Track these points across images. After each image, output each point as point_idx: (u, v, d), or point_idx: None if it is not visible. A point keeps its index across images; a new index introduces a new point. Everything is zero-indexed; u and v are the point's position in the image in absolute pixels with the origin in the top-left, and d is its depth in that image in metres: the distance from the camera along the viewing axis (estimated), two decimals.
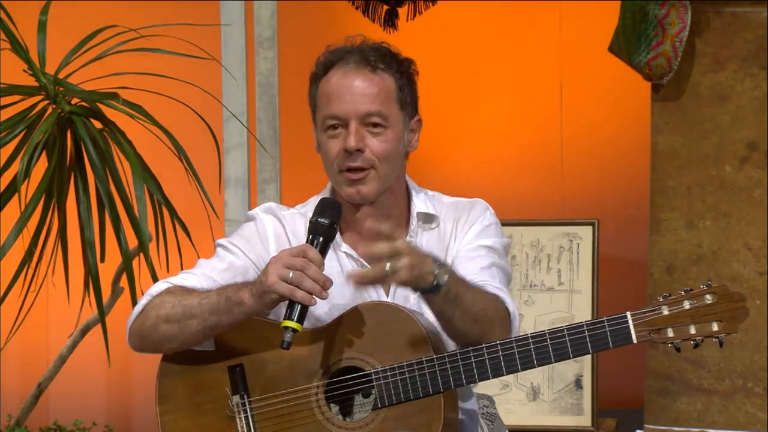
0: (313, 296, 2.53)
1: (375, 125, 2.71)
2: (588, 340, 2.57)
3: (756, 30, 4.16)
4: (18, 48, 3.90)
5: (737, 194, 4.19)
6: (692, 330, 2.57)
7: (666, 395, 4.23)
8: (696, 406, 4.21)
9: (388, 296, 2.76)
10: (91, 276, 3.86)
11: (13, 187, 3.74)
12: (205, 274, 2.74)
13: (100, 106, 3.90)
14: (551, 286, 4.61)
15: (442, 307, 2.56)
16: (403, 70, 2.76)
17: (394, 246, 2.49)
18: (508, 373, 2.60)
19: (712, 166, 4.21)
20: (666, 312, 2.57)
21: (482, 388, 2.87)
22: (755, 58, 4.16)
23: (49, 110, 3.87)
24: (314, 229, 2.62)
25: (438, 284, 2.51)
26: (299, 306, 2.53)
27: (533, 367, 2.59)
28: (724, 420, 4.18)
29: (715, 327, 2.57)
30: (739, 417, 4.17)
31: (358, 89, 2.70)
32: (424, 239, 2.80)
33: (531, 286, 4.62)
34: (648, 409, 4.27)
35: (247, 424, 2.64)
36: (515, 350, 2.58)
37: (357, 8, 4.49)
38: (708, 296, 2.57)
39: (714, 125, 4.21)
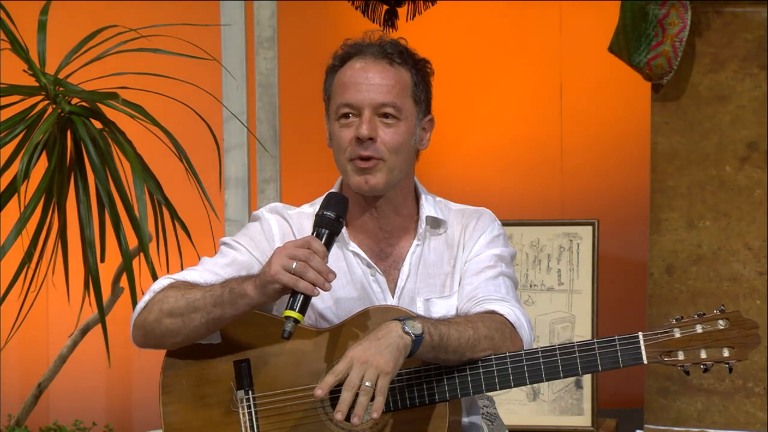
0: (316, 287, 2.52)
1: (388, 116, 2.72)
2: (598, 358, 2.57)
3: (756, 30, 4.16)
4: (18, 48, 3.90)
5: (737, 194, 4.19)
6: (703, 354, 2.58)
7: (666, 395, 4.23)
8: (696, 406, 4.21)
9: (393, 297, 2.76)
10: (91, 276, 3.85)
11: (13, 187, 3.73)
12: (208, 269, 2.74)
13: (100, 106, 3.89)
14: (551, 286, 4.61)
15: (433, 353, 2.55)
16: (419, 68, 2.78)
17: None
18: (515, 386, 2.60)
19: (712, 166, 4.21)
20: (678, 335, 2.58)
21: None
22: (755, 58, 4.16)
23: (49, 110, 3.87)
24: (320, 221, 2.62)
25: (419, 335, 2.50)
26: (301, 296, 2.53)
27: (541, 381, 2.59)
28: (724, 420, 4.18)
29: (726, 353, 2.57)
30: (739, 417, 4.17)
31: (374, 79, 2.71)
32: (432, 243, 2.81)
33: (531, 286, 4.62)
34: (648, 409, 4.27)
35: (250, 420, 2.64)
36: (524, 364, 2.59)
37: (357, 8, 4.49)
38: (721, 321, 2.58)
39: (714, 125, 4.21)
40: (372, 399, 2.45)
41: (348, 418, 2.52)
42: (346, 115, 2.72)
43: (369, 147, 2.70)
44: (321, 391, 2.46)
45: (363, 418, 2.45)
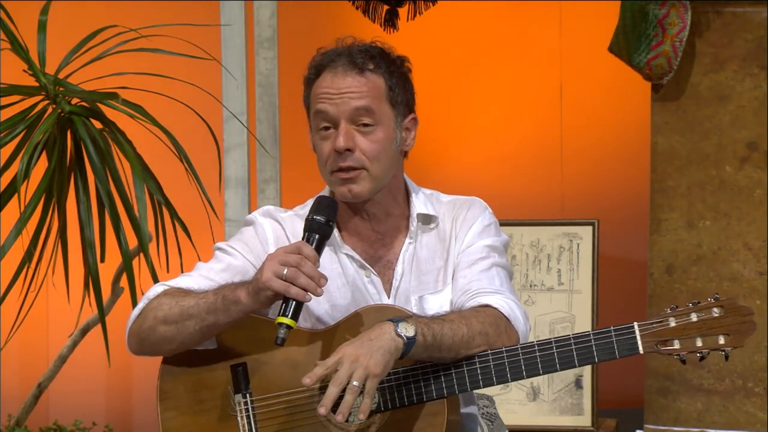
0: (308, 293, 2.53)
1: (365, 125, 2.71)
2: (594, 349, 2.58)
3: (756, 30, 4.16)
4: (18, 48, 3.90)
5: (737, 194, 4.19)
6: (699, 342, 2.58)
7: (666, 395, 4.23)
8: (696, 406, 4.21)
9: (389, 297, 2.77)
10: (91, 276, 3.85)
11: (13, 187, 3.73)
12: (203, 275, 2.75)
13: (100, 106, 3.89)
14: (551, 286, 4.61)
15: (427, 353, 2.55)
16: (393, 70, 2.75)
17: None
18: (512, 380, 2.60)
19: (712, 166, 4.21)
20: (673, 324, 2.58)
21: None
22: (755, 58, 4.16)
23: (49, 110, 3.86)
24: (310, 226, 2.63)
25: (411, 338, 2.50)
26: (294, 302, 2.53)
27: (538, 374, 2.59)
28: (724, 420, 4.18)
29: (721, 340, 2.57)
30: (739, 417, 4.17)
31: (346, 90, 2.70)
32: (423, 240, 2.81)
33: (531, 286, 4.62)
34: (648, 409, 4.27)
35: (249, 423, 2.64)
36: (520, 358, 2.58)
37: (357, 8, 4.49)
38: (715, 309, 2.58)
39: (714, 125, 4.21)
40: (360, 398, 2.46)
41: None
42: (324, 128, 2.72)
43: (348, 157, 2.70)
44: (309, 379, 2.47)
45: (347, 417, 2.45)
